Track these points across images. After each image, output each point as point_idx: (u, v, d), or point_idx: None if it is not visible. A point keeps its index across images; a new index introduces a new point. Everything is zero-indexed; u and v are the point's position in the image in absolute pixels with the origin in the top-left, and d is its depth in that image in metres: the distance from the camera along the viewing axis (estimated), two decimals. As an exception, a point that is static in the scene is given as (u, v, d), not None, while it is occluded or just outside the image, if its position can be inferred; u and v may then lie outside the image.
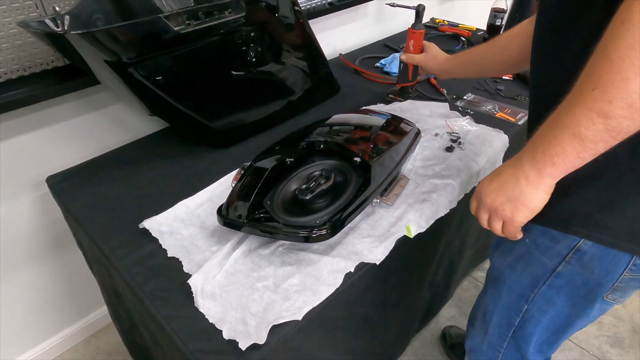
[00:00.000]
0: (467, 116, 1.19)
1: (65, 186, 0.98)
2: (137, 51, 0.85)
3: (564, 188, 0.58)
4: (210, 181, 0.97)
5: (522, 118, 1.21)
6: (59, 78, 0.98)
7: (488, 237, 1.43)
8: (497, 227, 0.63)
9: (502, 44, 0.92)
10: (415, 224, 0.86)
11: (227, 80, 1.11)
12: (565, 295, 0.70)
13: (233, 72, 1.11)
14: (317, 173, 0.84)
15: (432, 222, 0.89)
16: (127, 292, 0.80)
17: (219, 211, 0.80)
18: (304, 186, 0.81)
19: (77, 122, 1.10)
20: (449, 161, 1.03)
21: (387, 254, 0.80)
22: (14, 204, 1.10)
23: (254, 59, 1.12)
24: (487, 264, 1.71)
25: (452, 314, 1.53)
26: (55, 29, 0.83)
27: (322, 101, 1.32)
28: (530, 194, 0.56)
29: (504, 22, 1.63)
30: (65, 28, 0.85)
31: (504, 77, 1.42)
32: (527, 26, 0.86)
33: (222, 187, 0.95)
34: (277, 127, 1.20)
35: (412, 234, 0.85)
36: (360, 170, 0.85)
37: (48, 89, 0.95)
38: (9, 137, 1.01)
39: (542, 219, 0.63)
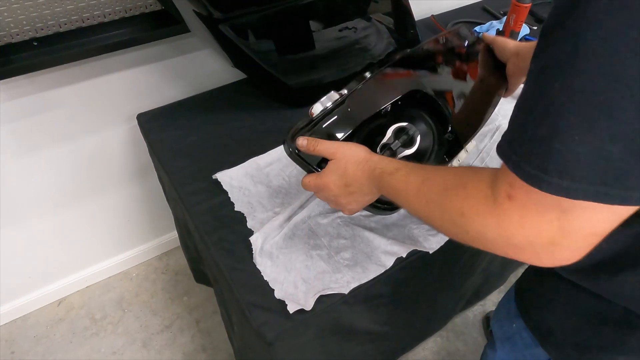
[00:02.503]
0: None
1: (153, 125, 1.07)
2: (226, 8, 0.87)
3: (554, 305, 0.60)
4: (282, 139, 1.00)
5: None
6: (155, 22, 1.03)
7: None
8: (334, 206, 0.68)
9: None
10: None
11: (309, 39, 1.10)
12: None
13: (317, 30, 1.09)
14: (404, 137, 0.73)
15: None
16: (197, 235, 0.89)
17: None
18: (385, 146, 0.72)
19: (167, 64, 1.16)
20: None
21: (442, 244, 0.80)
22: (109, 133, 1.22)
23: (338, 18, 1.09)
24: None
25: (500, 299, 1.51)
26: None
27: (404, 67, 1.26)
28: (369, 199, 0.66)
29: None
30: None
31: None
32: None
33: (291, 149, 0.98)
34: (354, 91, 1.18)
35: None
36: (449, 147, 0.78)
37: (146, 33, 1.01)
38: (106, 73, 1.10)
39: (528, 317, 0.65)
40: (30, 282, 1.43)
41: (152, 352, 1.37)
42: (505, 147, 0.38)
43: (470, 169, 0.47)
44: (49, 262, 1.42)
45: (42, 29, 0.95)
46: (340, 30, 1.21)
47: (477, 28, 1.40)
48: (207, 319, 1.45)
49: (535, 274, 0.67)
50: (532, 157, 0.35)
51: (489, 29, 1.36)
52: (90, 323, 1.45)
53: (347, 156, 0.62)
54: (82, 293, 1.52)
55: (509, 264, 1.29)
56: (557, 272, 0.57)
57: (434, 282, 0.96)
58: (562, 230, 0.36)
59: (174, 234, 1.61)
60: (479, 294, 1.36)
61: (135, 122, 1.14)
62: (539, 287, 0.64)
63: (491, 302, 1.50)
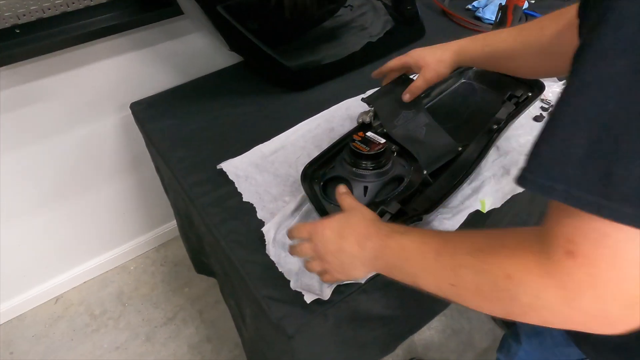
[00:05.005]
0: (564, 81, 1.08)
1: (148, 115, 1.02)
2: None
3: None
4: (284, 125, 0.97)
5: (628, 89, 1.07)
6: (145, 5, 0.98)
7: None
8: (316, 269, 0.61)
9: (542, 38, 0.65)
10: (490, 199, 0.83)
11: (307, 18, 1.06)
12: None
13: (313, 9, 1.05)
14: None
15: (508, 198, 0.85)
16: (203, 228, 0.85)
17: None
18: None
19: (158, 50, 1.11)
20: (536, 132, 0.95)
21: (457, 227, 0.79)
22: (100, 124, 1.17)
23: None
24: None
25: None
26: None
27: (404, 46, 1.23)
28: (358, 272, 0.58)
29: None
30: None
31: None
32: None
33: (295, 135, 0.95)
34: (355, 72, 1.15)
35: (485, 209, 0.82)
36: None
37: (136, 17, 0.96)
38: (94, 60, 1.04)
39: None
40: (25, 281, 1.39)
41: (156, 345, 1.35)
42: (542, 181, 0.32)
43: (500, 230, 0.41)
44: (44, 259, 1.38)
45: (25, 15, 0.89)
46: (336, 7, 1.17)
47: (475, 3, 1.37)
48: (211, 309, 1.43)
49: None
50: (588, 183, 0.29)
51: (487, 4, 1.33)
52: (90, 319, 1.42)
53: (356, 209, 0.58)
54: (79, 289, 1.49)
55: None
56: None
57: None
58: None
59: (170, 225, 1.58)
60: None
61: (127, 111, 1.09)
62: None
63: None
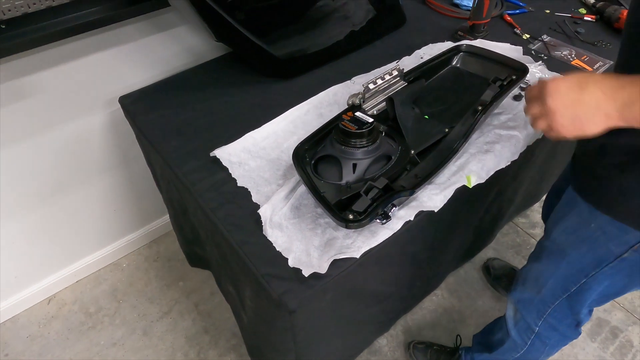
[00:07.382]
0: (540, 61, 1.12)
1: (138, 107, 1.03)
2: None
3: None
4: (273, 113, 0.99)
5: (600, 68, 1.13)
6: (130, -2, 0.98)
7: (537, 186, 1.42)
8: (541, 126, 0.60)
9: None
10: (475, 174, 0.87)
11: (291, 6, 1.08)
12: (626, 273, 0.72)
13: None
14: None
15: (492, 173, 0.89)
16: (200, 214, 0.87)
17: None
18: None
19: (144, 43, 1.11)
20: (516, 111, 1.00)
21: (445, 202, 0.82)
22: (88, 120, 1.16)
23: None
24: (529, 212, 1.72)
25: (489, 256, 1.58)
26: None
27: (386, 34, 1.26)
28: (594, 126, 0.54)
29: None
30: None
31: (585, 19, 1.30)
32: None
33: (285, 122, 0.97)
34: (340, 59, 1.17)
35: (471, 185, 0.86)
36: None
37: (122, 10, 0.96)
38: (81, 55, 1.04)
39: (614, 212, 0.67)
40: (16, 282, 1.38)
41: (153, 339, 1.36)
42: None
43: None
44: (34, 259, 1.37)
45: (10, 10, 0.89)
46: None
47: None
48: (206, 301, 1.44)
49: (618, 167, 0.66)
50: None
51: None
52: (85, 317, 1.41)
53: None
54: (72, 288, 1.48)
55: (499, 220, 1.34)
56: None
57: (435, 240, 0.98)
58: None
59: (162, 220, 1.58)
60: (470, 251, 1.41)
61: (115, 106, 1.10)
62: (624, 180, 0.65)
63: (480, 258, 1.56)
